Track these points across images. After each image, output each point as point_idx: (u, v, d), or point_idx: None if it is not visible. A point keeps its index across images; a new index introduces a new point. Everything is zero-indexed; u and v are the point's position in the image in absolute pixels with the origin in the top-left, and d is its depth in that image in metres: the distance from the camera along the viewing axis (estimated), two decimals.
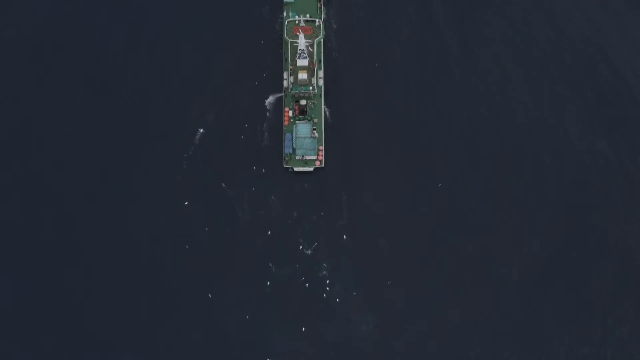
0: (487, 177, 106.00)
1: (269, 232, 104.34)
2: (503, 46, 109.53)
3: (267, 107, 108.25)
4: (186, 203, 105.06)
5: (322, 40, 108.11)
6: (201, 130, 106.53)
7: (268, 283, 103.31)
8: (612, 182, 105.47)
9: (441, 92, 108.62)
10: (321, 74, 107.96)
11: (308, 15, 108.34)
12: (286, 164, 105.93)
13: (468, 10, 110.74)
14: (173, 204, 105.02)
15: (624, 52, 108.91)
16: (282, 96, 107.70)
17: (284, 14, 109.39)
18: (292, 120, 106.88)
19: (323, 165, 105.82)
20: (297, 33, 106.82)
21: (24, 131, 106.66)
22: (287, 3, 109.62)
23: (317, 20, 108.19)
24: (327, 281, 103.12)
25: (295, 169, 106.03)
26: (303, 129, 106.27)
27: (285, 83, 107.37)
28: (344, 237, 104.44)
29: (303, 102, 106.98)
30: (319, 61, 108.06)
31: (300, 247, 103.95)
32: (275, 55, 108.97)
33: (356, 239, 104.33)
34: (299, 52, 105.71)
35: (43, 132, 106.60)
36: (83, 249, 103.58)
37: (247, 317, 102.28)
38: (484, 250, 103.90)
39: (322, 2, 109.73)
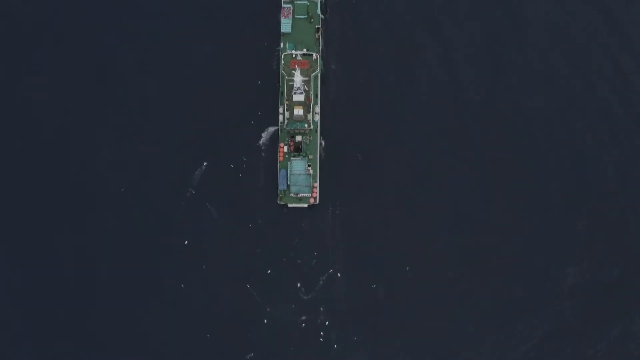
0: (490, 215, 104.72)
1: (269, 271, 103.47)
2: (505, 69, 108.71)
3: (263, 141, 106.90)
4: (186, 242, 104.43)
5: (319, 74, 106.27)
6: (204, 164, 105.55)
7: (265, 321, 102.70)
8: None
9: (440, 128, 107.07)
10: (317, 109, 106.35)
11: (305, 50, 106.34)
12: (280, 200, 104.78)
13: (471, 46, 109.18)
14: (173, 242, 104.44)
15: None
16: (278, 130, 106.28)
17: (281, 45, 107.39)
18: (287, 156, 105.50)
19: (317, 202, 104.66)
20: (294, 68, 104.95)
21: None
22: (284, 34, 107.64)
23: (314, 54, 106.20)
24: (324, 323, 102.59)
25: (290, 205, 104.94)
26: (298, 165, 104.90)
27: (280, 118, 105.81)
28: (339, 275, 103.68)
29: (298, 138, 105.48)
30: (315, 96, 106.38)
31: (295, 288, 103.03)
32: (271, 88, 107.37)
33: (352, 281, 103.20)
34: (295, 88, 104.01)
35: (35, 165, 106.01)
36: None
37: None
38: (486, 296, 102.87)
39: (320, 34, 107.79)
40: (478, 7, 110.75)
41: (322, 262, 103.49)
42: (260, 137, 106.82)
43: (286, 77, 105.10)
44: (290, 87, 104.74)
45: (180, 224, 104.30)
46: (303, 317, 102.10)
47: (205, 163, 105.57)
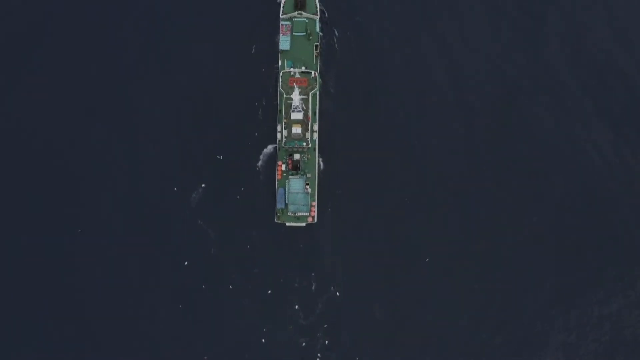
0: (496, 234, 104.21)
1: (270, 292, 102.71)
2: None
3: (260, 159, 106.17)
4: (186, 263, 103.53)
5: (317, 92, 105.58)
6: (202, 185, 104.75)
7: (263, 340, 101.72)
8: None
9: (441, 146, 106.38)
10: (316, 127, 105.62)
11: (304, 67, 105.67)
12: (278, 219, 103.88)
13: (474, 65, 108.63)
14: (172, 262, 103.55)
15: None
16: (275, 148, 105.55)
17: (279, 63, 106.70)
18: (284, 174, 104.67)
19: (315, 221, 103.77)
20: (292, 86, 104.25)
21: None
22: (282, 51, 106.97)
23: (313, 72, 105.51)
24: (324, 343, 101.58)
25: (287, 224, 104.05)
26: (296, 184, 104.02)
27: (278, 136, 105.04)
28: (337, 294, 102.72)
29: (296, 156, 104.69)
30: (314, 114, 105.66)
31: (293, 310, 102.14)
32: (269, 106, 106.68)
33: (351, 301, 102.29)
34: (293, 107, 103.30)
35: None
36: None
37: None
38: (493, 318, 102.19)
39: (318, 51, 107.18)
40: (484, 23, 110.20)
41: (321, 282, 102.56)
42: (258, 155, 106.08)
43: (284, 95, 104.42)
44: (289, 105, 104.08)
45: (179, 245, 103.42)
46: (302, 338, 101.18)
47: (202, 185, 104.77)
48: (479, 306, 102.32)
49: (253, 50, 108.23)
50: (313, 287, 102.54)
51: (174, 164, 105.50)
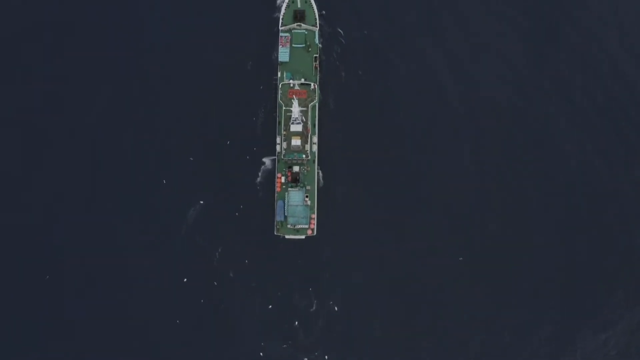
0: (497, 242, 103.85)
1: (270, 306, 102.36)
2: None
3: (260, 172, 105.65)
4: (185, 279, 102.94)
5: (317, 104, 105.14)
6: (200, 202, 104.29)
7: (261, 354, 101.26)
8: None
9: (440, 157, 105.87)
10: (315, 139, 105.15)
11: (303, 79, 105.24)
12: (277, 231, 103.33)
13: (474, 80, 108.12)
14: (172, 279, 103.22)
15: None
16: (275, 160, 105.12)
17: (279, 74, 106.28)
18: (284, 187, 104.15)
19: (315, 233, 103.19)
20: (292, 98, 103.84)
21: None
22: (281, 62, 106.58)
23: (312, 84, 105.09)
24: (323, 358, 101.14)
25: (287, 236, 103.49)
26: (295, 196, 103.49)
27: (278, 148, 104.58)
28: (335, 308, 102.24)
29: (296, 168, 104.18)
30: (313, 125, 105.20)
31: (292, 326, 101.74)
32: (269, 117, 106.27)
33: (350, 315, 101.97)
34: (292, 119, 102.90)
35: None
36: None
37: None
38: (494, 334, 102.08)
39: (317, 62, 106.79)
40: (481, 41, 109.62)
41: (320, 297, 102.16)
42: (257, 167, 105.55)
43: (284, 107, 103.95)
44: (288, 117, 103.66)
45: (177, 261, 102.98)
46: (301, 353, 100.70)
47: (201, 202, 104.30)
48: (484, 326, 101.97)
49: (251, 63, 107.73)
50: (313, 305, 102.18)
51: (174, 180, 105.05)
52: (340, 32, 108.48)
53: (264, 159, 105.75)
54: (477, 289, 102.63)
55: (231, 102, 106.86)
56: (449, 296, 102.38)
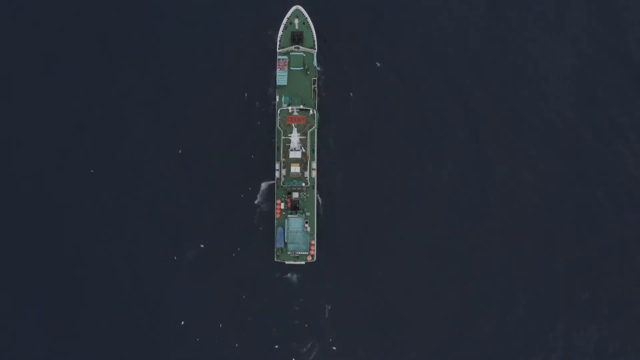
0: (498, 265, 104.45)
1: (277, 347, 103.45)
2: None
3: (259, 197, 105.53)
4: (182, 323, 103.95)
5: (315, 130, 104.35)
6: (201, 246, 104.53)
7: None
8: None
9: (440, 183, 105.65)
10: (314, 165, 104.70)
11: (302, 105, 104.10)
12: (277, 258, 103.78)
13: (470, 105, 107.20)
14: (173, 297, 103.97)
15: None
16: (274, 184, 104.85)
17: (277, 99, 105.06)
18: (283, 213, 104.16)
19: (315, 259, 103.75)
20: (290, 124, 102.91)
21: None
22: (280, 86, 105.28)
23: (310, 109, 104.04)
24: None
25: (287, 262, 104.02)
26: (295, 223, 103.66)
27: (277, 174, 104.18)
28: (334, 348, 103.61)
29: (295, 194, 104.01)
30: (312, 151, 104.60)
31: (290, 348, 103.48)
32: (267, 142, 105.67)
33: (348, 350, 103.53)
34: (292, 147, 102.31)
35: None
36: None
37: None
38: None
39: (316, 85, 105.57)
40: (483, 61, 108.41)
41: (317, 335, 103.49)
42: (256, 192, 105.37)
43: (282, 135, 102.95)
44: (287, 146, 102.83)
45: (175, 301, 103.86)
46: None
47: (202, 245, 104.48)
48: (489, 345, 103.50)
49: (250, 86, 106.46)
50: (309, 345, 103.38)
51: (172, 212, 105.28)
52: (339, 56, 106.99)
53: (262, 184, 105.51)
54: (485, 327, 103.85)
55: (229, 126, 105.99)
56: (451, 327, 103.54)
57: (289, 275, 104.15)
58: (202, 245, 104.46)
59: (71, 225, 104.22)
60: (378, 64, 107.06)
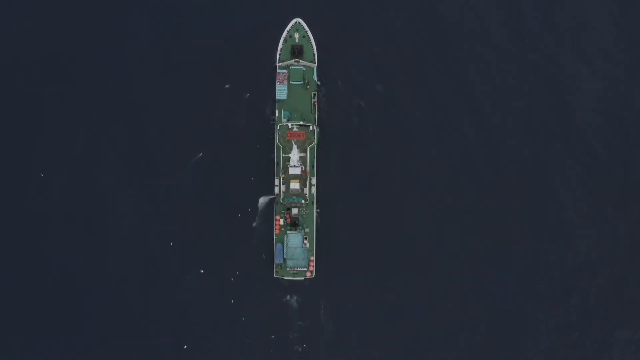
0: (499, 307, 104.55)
1: (271, 351, 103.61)
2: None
3: (258, 210, 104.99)
4: (185, 347, 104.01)
5: (315, 146, 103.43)
6: (200, 271, 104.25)
7: None
8: None
9: (440, 202, 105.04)
10: (314, 181, 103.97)
11: (302, 121, 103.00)
12: (276, 274, 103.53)
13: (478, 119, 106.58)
14: (174, 309, 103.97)
15: None
16: (272, 199, 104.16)
17: (276, 114, 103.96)
18: (282, 229, 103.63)
19: (314, 275, 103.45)
20: (290, 140, 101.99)
21: None
22: (279, 101, 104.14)
23: (310, 125, 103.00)
24: None
25: (286, 278, 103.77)
26: (294, 239, 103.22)
27: (276, 190, 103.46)
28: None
29: (294, 210, 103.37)
30: (312, 167, 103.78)
31: None
32: (266, 157, 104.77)
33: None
34: (291, 165, 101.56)
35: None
36: None
37: None
38: None
39: (316, 100, 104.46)
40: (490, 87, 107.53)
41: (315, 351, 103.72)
42: (255, 208, 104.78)
43: (282, 152, 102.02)
44: (287, 164, 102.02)
45: (176, 324, 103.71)
46: None
47: (201, 271, 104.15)
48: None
49: (249, 101, 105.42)
50: (311, 344, 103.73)
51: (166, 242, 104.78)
52: (339, 72, 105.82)
53: (260, 199, 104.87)
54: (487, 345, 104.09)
55: (228, 141, 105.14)
56: (455, 342, 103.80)
57: (288, 297, 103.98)
58: (202, 271, 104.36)
59: (60, 250, 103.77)
60: (379, 82, 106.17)
